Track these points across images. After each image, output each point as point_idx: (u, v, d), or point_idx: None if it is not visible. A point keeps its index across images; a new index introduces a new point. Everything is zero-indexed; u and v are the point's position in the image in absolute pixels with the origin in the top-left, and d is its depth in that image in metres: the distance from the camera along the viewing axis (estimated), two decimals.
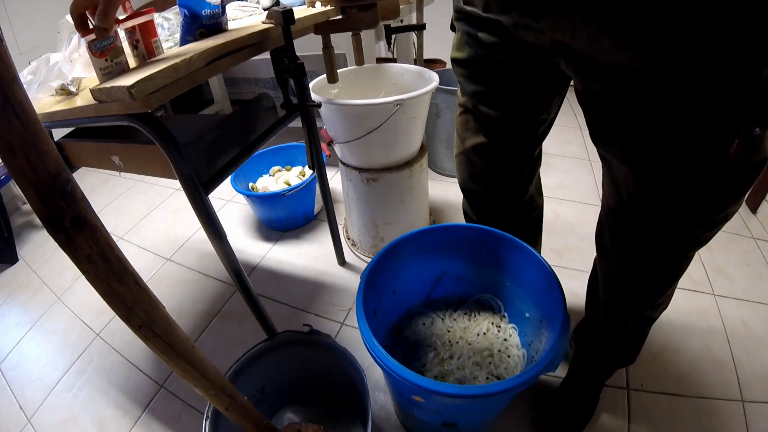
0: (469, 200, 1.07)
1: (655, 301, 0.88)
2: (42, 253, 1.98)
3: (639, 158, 0.65)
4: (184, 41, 0.93)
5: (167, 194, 2.30)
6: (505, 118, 0.86)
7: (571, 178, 2.06)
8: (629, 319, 0.92)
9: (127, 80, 0.66)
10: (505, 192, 0.99)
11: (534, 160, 0.98)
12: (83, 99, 0.84)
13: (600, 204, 0.84)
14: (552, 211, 1.81)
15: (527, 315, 1.03)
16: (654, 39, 0.51)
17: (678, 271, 0.80)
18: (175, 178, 0.83)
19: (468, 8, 0.77)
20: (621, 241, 0.79)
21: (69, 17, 0.93)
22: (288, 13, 0.88)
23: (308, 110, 1.13)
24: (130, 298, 0.48)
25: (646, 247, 0.75)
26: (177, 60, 0.72)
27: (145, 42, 0.86)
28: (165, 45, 0.99)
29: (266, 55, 1.03)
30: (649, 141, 0.61)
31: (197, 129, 0.90)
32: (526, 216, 1.08)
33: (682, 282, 0.86)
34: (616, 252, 0.82)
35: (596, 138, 0.71)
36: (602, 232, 0.85)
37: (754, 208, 1.78)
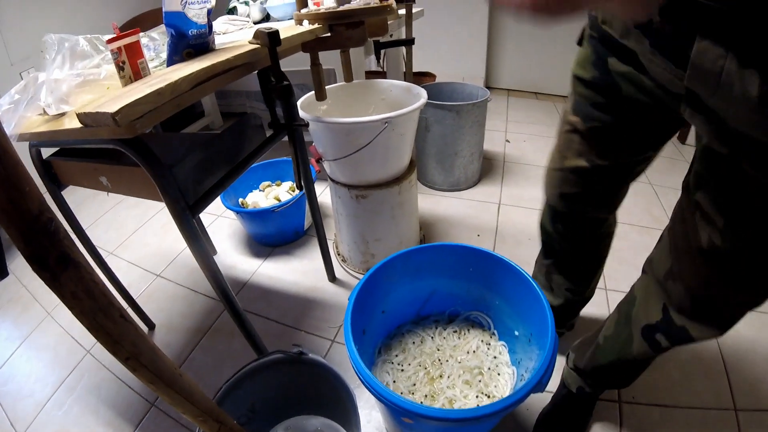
0: (552, 214, 1.04)
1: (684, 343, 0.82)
2: None
3: (738, 221, 0.62)
4: (171, 61, 0.93)
5: (157, 208, 2.29)
6: (613, 151, 0.83)
7: None
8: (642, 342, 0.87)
9: (112, 106, 0.66)
10: (590, 216, 0.98)
11: (625, 191, 0.96)
12: (71, 120, 0.84)
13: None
14: None
15: (516, 333, 1.03)
16: None
17: (727, 327, 0.73)
18: (162, 201, 0.83)
19: (605, 28, 0.70)
20: (677, 278, 0.74)
21: (53, 35, 0.91)
22: (274, 35, 0.88)
23: (296, 130, 1.11)
24: (117, 332, 0.48)
25: (701, 296, 0.71)
26: (162, 84, 0.71)
27: (131, 63, 0.86)
28: (151, 65, 0.99)
29: None
30: (757, 211, 0.59)
31: (185, 149, 0.90)
32: (604, 239, 1.07)
33: None
34: (669, 286, 0.77)
35: (699, 185, 0.67)
36: (656, 261, 0.80)
37: None
